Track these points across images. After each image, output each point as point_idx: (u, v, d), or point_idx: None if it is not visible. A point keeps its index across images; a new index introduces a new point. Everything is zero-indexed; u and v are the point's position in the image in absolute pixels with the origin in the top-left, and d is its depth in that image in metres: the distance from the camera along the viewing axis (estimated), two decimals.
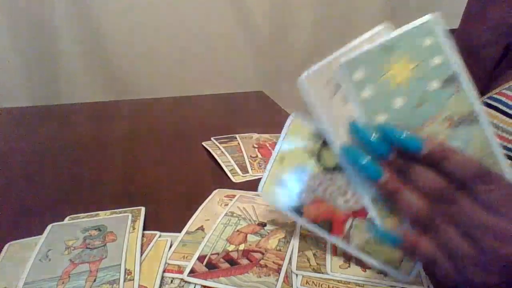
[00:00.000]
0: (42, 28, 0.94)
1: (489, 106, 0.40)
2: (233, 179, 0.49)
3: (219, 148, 0.57)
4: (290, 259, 0.34)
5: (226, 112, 0.80)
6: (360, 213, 0.33)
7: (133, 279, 0.31)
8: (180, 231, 0.38)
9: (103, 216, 0.40)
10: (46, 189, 0.47)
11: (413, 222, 0.27)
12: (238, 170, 0.51)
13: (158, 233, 0.37)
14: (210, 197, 0.44)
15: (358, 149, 0.27)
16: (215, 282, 0.31)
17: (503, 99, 0.39)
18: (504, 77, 0.41)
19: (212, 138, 0.61)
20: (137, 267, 0.32)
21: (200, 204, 0.42)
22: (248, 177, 0.50)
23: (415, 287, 0.31)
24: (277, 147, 0.36)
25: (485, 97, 0.41)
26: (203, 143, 0.59)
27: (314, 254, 0.34)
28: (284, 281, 0.31)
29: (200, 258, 0.33)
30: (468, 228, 0.25)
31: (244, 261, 0.33)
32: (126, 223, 0.38)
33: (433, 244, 0.26)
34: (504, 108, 0.39)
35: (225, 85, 1.14)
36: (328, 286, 0.31)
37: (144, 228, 0.38)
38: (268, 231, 0.38)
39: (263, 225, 0.39)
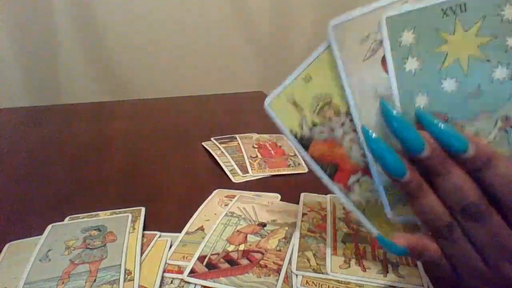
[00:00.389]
0: (42, 28, 0.94)
1: None
2: (233, 179, 0.49)
3: (219, 148, 0.57)
4: (290, 259, 0.34)
5: (226, 112, 0.80)
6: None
7: (133, 279, 0.31)
8: (180, 231, 0.38)
9: (103, 216, 0.40)
10: (46, 189, 0.47)
11: (428, 227, 0.24)
12: (238, 170, 0.51)
13: (158, 233, 0.37)
14: (210, 197, 0.44)
15: (381, 138, 0.23)
16: (215, 282, 0.31)
17: None
18: None
19: (212, 139, 0.61)
20: (137, 267, 0.32)
21: (200, 204, 0.42)
22: (248, 177, 0.50)
23: (415, 287, 0.31)
24: (307, 61, 0.28)
25: None
26: (203, 143, 0.59)
27: (314, 254, 0.34)
28: (284, 281, 0.31)
29: (200, 258, 0.33)
30: (490, 249, 0.22)
31: (244, 261, 0.33)
32: (126, 223, 0.38)
33: (440, 251, 0.24)
34: None
35: (225, 85, 1.14)
36: (328, 286, 0.31)
37: (144, 228, 0.38)
38: (268, 231, 0.38)
39: (263, 225, 0.39)
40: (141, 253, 0.34)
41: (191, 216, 0.40)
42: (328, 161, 0.29)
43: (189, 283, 0.31)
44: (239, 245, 0.35)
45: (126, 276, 0.31)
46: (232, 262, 0.33)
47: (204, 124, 0.71)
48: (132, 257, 0.33)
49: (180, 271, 0.32)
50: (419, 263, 0.33)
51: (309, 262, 0.33)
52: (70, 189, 0.47)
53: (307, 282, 0.31)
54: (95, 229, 0.37)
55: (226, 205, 0.42)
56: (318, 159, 0.29)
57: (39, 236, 0.36)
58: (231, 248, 0.35)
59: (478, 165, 0.21)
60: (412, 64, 0.22)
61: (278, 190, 0.46)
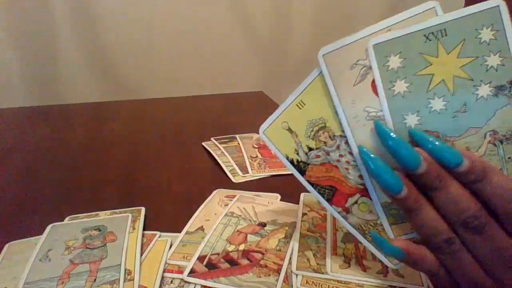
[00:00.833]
0: (42, 28, 0.94)
1: None
2: (233, 179, 0.49)
3: (219, 148, 0.57)
4: (290, 259, 0.34)
5: (226, 112, 0.80)
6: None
7: (133, 279, 0.31)
8: (180, 231, 0.38)
9: (103, 216, 0.40)
10: (46, 189, 0.47)
11: (428, 242, 0.24)
12: (238, 170, 0.51)
13: (158, 233, 0.37)
14: (210, 197, 0.44)
15: (377, 156, 0.24)
16: (215, 282, 0.31)
17: None
18: None
19: (212, 139, 0.61)
20: (137, 267, 0.32)
21: (200, 204, 0.42)
22: (248, 177, 0.50)
23: (415, 287, 0.31)
24: (299, 87, 0.29)
25: None
26: (203, 143, 0.59)
27: (314, 254, 0.34)
28: (284, 281, 0.31)
29: (200, 258, 0.33)
30: (492, 261, 0.22)
31: (244, 261, 0.33)
32: (126, 223, 0.38)
33: (438, 264, 0.24)
34: None
35: (225, 85, 1.14)
36: (328, 286, 0.31)
37: (144, 228, 0.38)
38: (268, 231, 0.38)
39: (263, 225, 0.39)
40: (141, 253, 0.34)
41: (191, 216, 0.40)
42: (325, 185, 0.30)
43: (189, 283, 0.31)
44: (239, 245, 0.35)
45: (126, 276, 0.31)
46: (232, 262, 0.33)
47: (204, 124, 0.71)
48: (132, 257, 0.33)
49: (180, 271, 0.32)
50: None
51: (309, 262, 0.33)
52: (70, 189, 0.47)
53: (307, 282, 0.31)
54: (95, 229, 0.37)
55: (226, 205, 0.42)
56: (316, 183, 0.30)
57: (39, 236, 0.36)
58: (231, 248, 0.35)
59: (473, 178, 0.22)
60: (400, 87, 0.23)
61: (278, 190, 0.46)
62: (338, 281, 0.31)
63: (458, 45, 0.22)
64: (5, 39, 0.92)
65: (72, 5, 0.94)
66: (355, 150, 0.26)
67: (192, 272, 0.32)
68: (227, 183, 0.48)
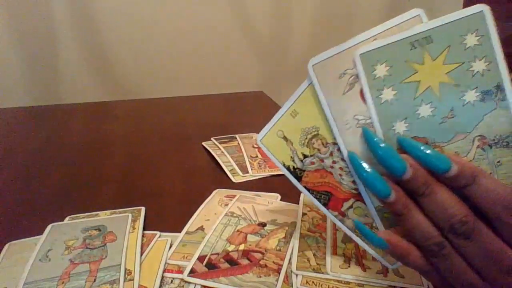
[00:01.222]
0: (42, 28, 0.94)
1: None
2: (233, 179, 0.49)
3: (219, 148, 0.57)
4: (290, 259, 0.34)
5: (226, 112, 0.80)
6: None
7: (133, 279, 0.31)
8: (180, 231, 0.38)
9: (103, 216, 0.40)
10: (46, 189, 0.47)
11: (419, 246, 0.24)
12: (238, 170, 0.51)
13: (158, 233, 0.37)
14: (210, 197, 0.44)
15: (366, 163, 0.24)
16: (215, 282, 0.31)
17: None
18: None
19: (212, 138, 0.61)
20: (137, 267, 0.32)
21: (200, 204, 0.42)
22: (248, 177, 0.50)
23: (415, 287, 0.31)
24: (292, 97, 0.29)
25: None
26: (203, 143, 0.59)
27: (314, 254, 0.34)
28: (284, 281, 0.31)
29: (200, 258, 0.33)
30: (483, 264, 0.22)
31: (244, 261, 0.33)
32: (126, 223, 0.38)
33: (425, 260, 0.25)
34: None
35: (225, 85, 1.14)
36: (328, 286, 0.31)
37: (144, 228, 0.38)
38: (268, 231, 0.38)
39: (263, 225, 0.39)
40: (141, 253, 0.34)
41: (191, 216, 0.40)
42: (321, 190, 0.30)
43: (189, 283, 0.31)
44: (239, 245, 0.35)
45: (126, 276, 0.31)
46: (232, 262, 0.33)
47: (204, 124, 0.71)
48: (132, 257, 0.33)
49: (180, 271, 0.32)
50: None
51: (309, 262, 0.33)
52: (70, 189, 0.48)
53: (307, 282, 0.31)
54: (95, 229, 0.37)
55: (226, 205, 0.42)
56: (312, 189, 0.31)
57: (39, 236, 0.36)
58: (231, 248, 0.35)
59: (463, 183, 0.22)
60: (388, 95, 0.23)
61: (278, 190, 0.46)
62: (338, 281, 0.31)
63: (443, 51, 0.22)
64: (5, 39, 0.92)
65: (72, 5, 0.94)
66: (346, 157, 0.27)
67: (192, 272, 0.32)
68: (227, 183, 0.48)
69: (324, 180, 0.30)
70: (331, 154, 0.29)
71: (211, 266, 0.32)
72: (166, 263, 0.33)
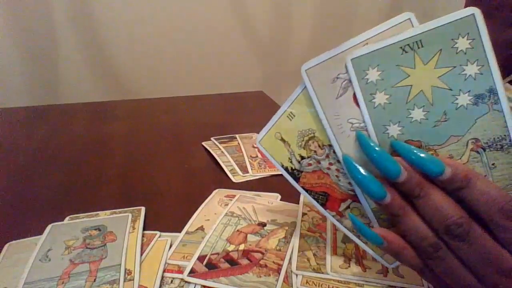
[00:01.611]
0: (42, 28, 0.94)
1: None
2: (233, 179, 0.49)
3: (219, 148, 0.57)
4: (290, 259, 0.34)
5: (226, 112, 0.80)
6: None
7: (133, 279, 0.31)
8: (180, 231, 0.38)
9: (103, 216, 0.40)
10: (46, 189, 0.47)
11: (414, 247, 0.25)
12: (238, 170, 0.51)
13: (158, 233, 0.37)
14: (210, 197, 0.44)
15: (361, 166, 0.24)
16: (215, 282, 0.31)
17: None
18: None
19: (212, 138, 0.61)
20: (137, 267, 0.32)
21: (200, 204, 0.42)
22: (248, 177, 0.50)
23: (415, 287, 0.31)
24: (288, 100, 0.30)
25: None
26: (203, 143, 0.59)
27: (314, 254, 0.34)
28: (284, 281, 0.31)
29: (200, 258, 0.33)
30: (479, 265, 0.23)
31: (244, 261, 0.33)
32: (126, 223, 0.38)
33: (418, 259, 0.25)
34: None
35: (225, 85, 1.14)
36: (328, 286, 0.31)
37: (144, 228, 0.38)
38: (268, 231, 0.38)
39: (263, 225, 0.39)
40: (141, 253, 0.34)
41: (191, 216, 0.40)
42: (318, 191, 0.31)
43: (189, 283, 0.31)
44: (239, 245, 0.35)
45: (126, 276, 0.31)
46: (232, 262, 0.33)
47: (204, 124, 0.71)
48: (132, 257, 0.33)
49: (180, 271, 0.32)
50: None
51: (309, 262, 0.33)
52: (70, 189, 0.47)
53: (307, 282, 0.31)
54: (95, 229, 0.37)
55: (226, 205, 0.42)
56: (310, 190, 0.31)
57: (39, 236, 0.36)
58: (231, 248, 0.35)
59: (457, 185, 0.22)
60: (380, 99, 0.23)
61: (278, 190, 0.46)
62: (338, 281, 0.31)
63: (434, 55, 0.22)
64: (6, 39, 0.92)
65: (72, 5, 0.94)
66: (341, 160, 0.27)
67: (192, 272, 0.32)
68: (227, 183, 0.48)
69: (321, 181, 0.30)
70: (327, 156, 0.29)
71: (211, 266, 0.32)
72: (166, 263, 0.33)
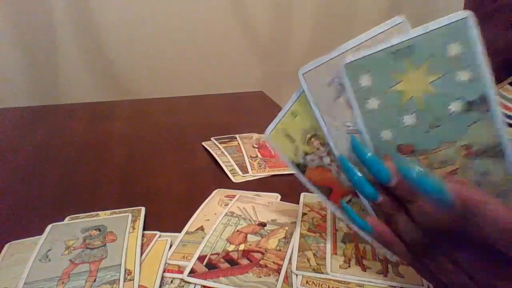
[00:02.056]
0: (42, 28, 0.94)
1: None
2: (233, 179, 0.49)
3: (219, 148, 0.57)
4: (290, 259, 0.34)
5: (226, 112, 0.80)
6: None
7: (133, 279, 0.31)
8: (180, 231, 0.38)
9: (103, 216, 0.40)
10: (46, 189, 0.47)
11: (407, 247, 0.25)
12: (238, 170, 0.51)
13: (158, 233, 0.37)
14: (210, 197, 0.44)
15: (355, 167, 0.25)
16: (215, 282, 0.31)
17: None
18: None
19: (212, 138, 0.61)
20: (137, 267, 0.32)
21: (200, 204, 0.42)
22: (248, 177, 0.50)
23: (415, 287, 0.31)
24: (292, 98, 0.30)
25: None
26: (203, 143, 0.59)
27: (314, 254, 0.34)
28: (284, 281, 0.31)
29: (200, 258, 0.33)
30: (473, 269, 0.23)
31: (244, 261, 0.33)
32: (126, 223, 0.38)
33: (407, 252, 0.25)
34: None
35: (225, 85, 1.14)
36: (328, 286, 0.31)
37: (144, 228, 0.38)
38: (268, 231, 0.38)
39: (263, 225, 0.39)
40: (141, 253, 0.34)
41: (191, 216, 0.40)
42: (322, 184, 0.32)
43: (189, 283, 0.31)
44: (239, 245, 0.35)
45: (126, 276, 0.31)
46: (232, 262, 0.33)
47: (204, 124, 0.71)
48: (132, 257, 0.33)
49: (180, 271, 0.32)
50: None
51: (309, 262, 0.33)
52: (70, 189, 0.47)
53: (307, 282, 0.31)
54: (95, 229, 0.37)
55: (226, 205, 0.42)
56: (314, 183, 0.32)
57: (39, 236, 0.36)
58: (231, 248, 0.35)
59: (464, 215, 0.21)
60: (373, 104, 0.23)
61: (278, 190, 0.46)
62: (338, 281, 0.31)
63: (426, 61, 0.22)
64: (6, 39, 0.92)
65: (72, 5, 0.94)
66: (337, 160, 0.27)
67: (192, 272, 0.32)
68: (227, 183, 0.48)
69: (324, 176, 0.31)
70: (328, 153, 0.30)
71: (211, 266, 0.32)
72: (166, 263, 0.33)
